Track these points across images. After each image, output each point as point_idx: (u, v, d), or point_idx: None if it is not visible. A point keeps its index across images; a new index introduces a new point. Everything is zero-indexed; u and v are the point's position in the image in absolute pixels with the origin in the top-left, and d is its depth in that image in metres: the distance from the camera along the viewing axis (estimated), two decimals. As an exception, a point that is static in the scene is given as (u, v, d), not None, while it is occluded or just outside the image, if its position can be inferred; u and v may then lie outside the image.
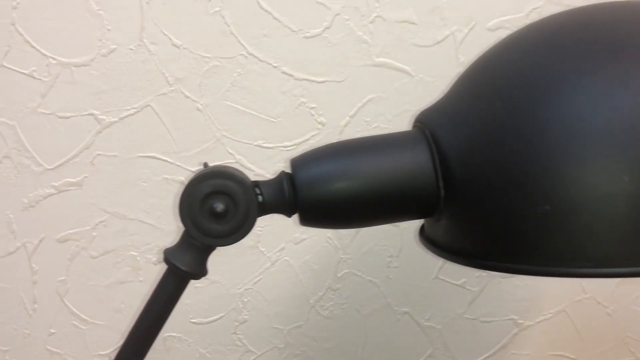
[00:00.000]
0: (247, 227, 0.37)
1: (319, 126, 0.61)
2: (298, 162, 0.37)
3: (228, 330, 0.66)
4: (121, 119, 0.61)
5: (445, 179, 0.35)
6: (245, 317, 0.66)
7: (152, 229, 0.63)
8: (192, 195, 0.36)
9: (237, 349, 0.66)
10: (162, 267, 0.63)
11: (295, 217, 0.37)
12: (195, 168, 0.62)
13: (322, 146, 0.38)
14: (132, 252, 0.64)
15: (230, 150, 0.62)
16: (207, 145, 0.62)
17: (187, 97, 0.60)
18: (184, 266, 0.37)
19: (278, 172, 0.37)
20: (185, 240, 0.37)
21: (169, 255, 0.37)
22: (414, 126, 0.38)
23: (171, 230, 0.63)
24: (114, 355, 0.64)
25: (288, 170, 0.38)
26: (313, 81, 0.60)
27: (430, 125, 0.36)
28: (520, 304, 0.66)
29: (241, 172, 0.37)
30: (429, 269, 0.65)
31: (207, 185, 0.36)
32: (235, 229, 0.37)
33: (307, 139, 0.62)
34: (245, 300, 0.65)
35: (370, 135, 0.39)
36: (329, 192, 0.36)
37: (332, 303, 0.66)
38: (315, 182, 0.36)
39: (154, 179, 0.62)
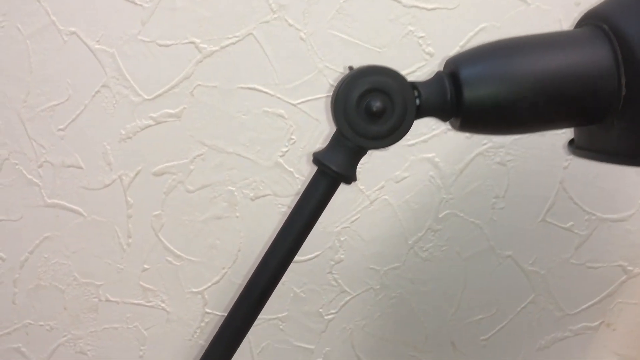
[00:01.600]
0: (403, 130, 0.35)
1: (427, 57, 0.59)
2: (461, 61, 0.35)
3: (323, 269, 0.65)
4: (222, 48, 0.59)
5: (628, 76, 0.32)
6: (342, 256, 0.64)
7: (251, 164, 0.62)
8: (349, 93, 0.34)
9: (332, 289, 0.65)
10: (260, 203, 0.62)
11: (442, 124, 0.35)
12: (296, 101, 0.60)
13: (485, 44, 0.36)
14: (229, 187, 0.62)
15: (332, 82, 0.60)
16: (308, 77, 0.60)
17: (291, 25, 0.58)
18: (336, 167, 0.35)
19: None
20: (338, 141, 0.36)
21: (319, 157, 0.36)
22: (584, 24, 0.35)
23: (270, 166, 0.62)
24: (207, 292, 0.64)
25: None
26: (423, 8, 0.58)
27: (609, 20, 0.33)
28: (631, 250, 0.63)
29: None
30: (535, 210, 0.63)
31: (365, 82, 0.34)
32: (391, 130, 0.35)
33: (414, 71, 0.59)
34: (342, 239, 0.64)
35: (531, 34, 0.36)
36: (500, 91, 0.33)
37: (431, 244, 0.64)
38: (485, 81, 0.34)
39: (253, 112, 0.60)
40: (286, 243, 0.38)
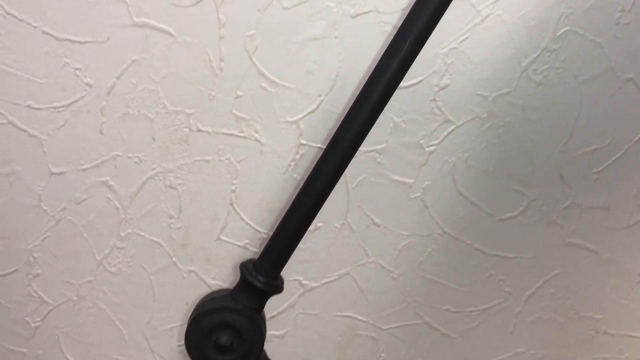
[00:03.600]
0: None
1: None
2: None
3: (426, 96, 0.62)
4: None
5: None
6: (447, 81, 0.61)
7: (353, -25, 0.58)
8: None
9: (435, 118, 0.62)
10: (360, 21, 0.58)
11: None
12: None
13: None
14: (328, 3, 0.59)
15: None
16: None
17: None
18: None
19: None
20: None
21: None
22: None
23: (373, -23, 0.58)
24: (302, 122, 0.61)
25: None
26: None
27: None
28: None
29: None
30: (664, 26, 0.58)
31: None
32: None
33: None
34: (449, 62, 0.60)
35: None
36: None
37: (546, 67, 0.60)
38: None
39: None
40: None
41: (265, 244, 0.64)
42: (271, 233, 0.65)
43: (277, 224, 0.63)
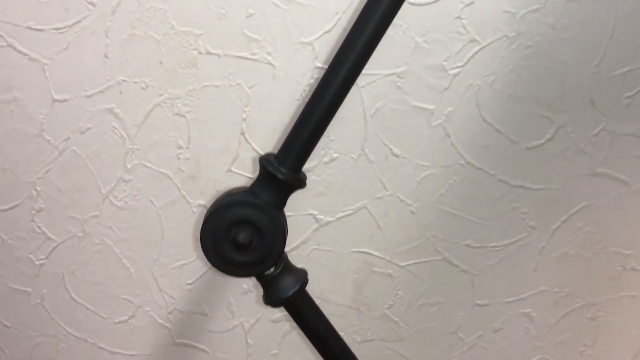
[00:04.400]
0: None
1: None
2: None
3: (451, 13, 0.59)
4: None
5: None
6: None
7: None
8: None
9: (460, 37, 0.60)
10: None
11: None
12: None
13: None
14: None
15: None
16: None
17: None
18: None
19: None
20: None
21: None
22: None
23: None
24: (317, 43, 0.58)
25: None
26: None
27: None
28: None
29: None
30: None
31: None
32: None
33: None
34: (475, -24, 0.57)
35: None
36: None
37: None
38: None
39: None
40: None
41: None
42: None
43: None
